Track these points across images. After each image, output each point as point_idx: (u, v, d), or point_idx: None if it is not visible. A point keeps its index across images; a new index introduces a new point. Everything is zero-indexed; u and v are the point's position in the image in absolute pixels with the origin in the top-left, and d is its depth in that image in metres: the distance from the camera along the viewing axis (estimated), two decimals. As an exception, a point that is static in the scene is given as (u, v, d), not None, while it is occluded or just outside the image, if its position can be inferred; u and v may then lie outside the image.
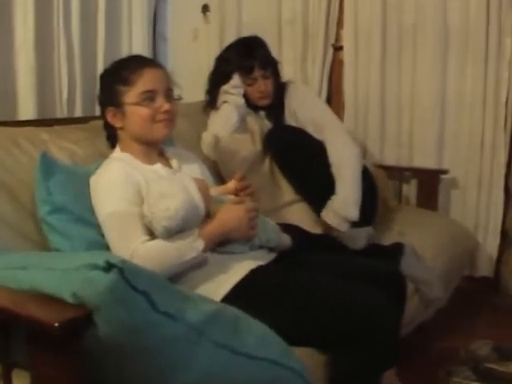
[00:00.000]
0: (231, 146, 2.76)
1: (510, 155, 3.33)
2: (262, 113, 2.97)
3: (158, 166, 2.07)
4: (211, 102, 2.97)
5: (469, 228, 3.32)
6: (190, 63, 3.74)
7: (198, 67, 3.62)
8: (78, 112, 3.15)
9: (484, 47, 3.24)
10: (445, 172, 3.36)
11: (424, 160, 3.44)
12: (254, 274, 1.88)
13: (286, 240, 2.15)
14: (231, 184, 2.14)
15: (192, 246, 1.82)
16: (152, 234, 1.83)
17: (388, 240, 2.64)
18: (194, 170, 2.16)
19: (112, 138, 2.15)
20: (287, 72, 3.42)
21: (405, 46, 3.42)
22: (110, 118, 2.08)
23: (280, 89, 2.95)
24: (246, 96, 2.90)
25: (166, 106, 2.02)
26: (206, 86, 3.02)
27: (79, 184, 1.97)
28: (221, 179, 2.60)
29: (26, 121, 2.75)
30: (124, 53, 3.33)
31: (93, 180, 1.98)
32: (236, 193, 2.11)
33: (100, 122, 2.23)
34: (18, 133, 2.22)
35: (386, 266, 2.14)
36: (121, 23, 3.43)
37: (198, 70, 3.48)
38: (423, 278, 2.47)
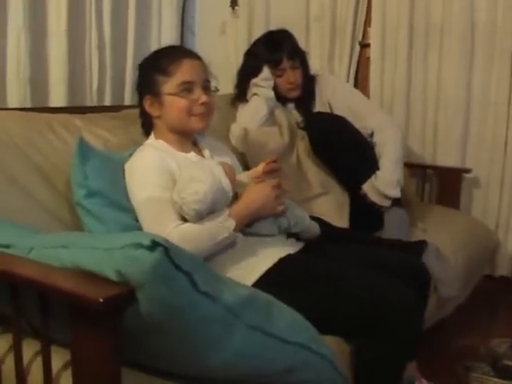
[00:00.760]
0: (259, 138, 2.79)
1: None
2: (291, 105, 3.00)
3: (192, 155, 2.10)
4: (240, 95, 3.00)
5: (490, 227, 3.33)
6: (218, 57, 3.74)
7: (225, 61, 3.65)
8: (108, 101, 3.20)
9: (510, 47, 3.26)
10: (467, 171, 3.38)
11: (447, 158, 3.46)
12: (282, 261, 1.91)
13: (314, 227, 2.18)
14: (260, 167, 2.14)
15: (223, 226, 1.85)
16: (185, 220, 1.86)
17: (411, 235, 2.67)
18: (225, 160, 2.17)
19: (147, 125, 2.17)
20: (314, 68, 3.44)
21: (431, 44, 3.44)
22: (147, 106, 2.10)
23: (309, 80, 2.98)
24: (275, 88, 2.93)
25: (204, 98, 2.05)
26: (234, 80, 3.05)
27: (114, 170, 2.00)
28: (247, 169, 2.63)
29: (60, 108, 2.79)
30: (153, 44, 3.38)
31: (127, 166, 2.01)
32: (262, 175, 2.10)
33: (132, 112, 2.27)
34: (53, 118, 2.26)
35: (411, 260, 2.17)
36: (151, 15, 3.48)
37: (226, 63, 3.52)
38: (440, 276, 2.48)
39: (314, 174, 2.76)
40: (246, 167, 2.66)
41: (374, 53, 3.58)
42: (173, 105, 2.05)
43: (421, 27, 3.45)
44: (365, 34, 3.65)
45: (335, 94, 2.93)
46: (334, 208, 2.67)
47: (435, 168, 3.50)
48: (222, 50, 3.87)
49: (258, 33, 3.31)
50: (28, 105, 2.80)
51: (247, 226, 1.97)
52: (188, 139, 2.15)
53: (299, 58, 2.98)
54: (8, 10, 2.77)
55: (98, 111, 2.62)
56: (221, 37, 3.96)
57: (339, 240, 2.29)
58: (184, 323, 1.31)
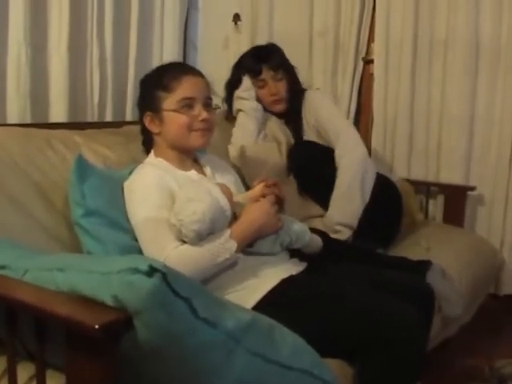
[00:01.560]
0: (258, 155, 2.76)
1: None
2: (281, 121, 2.96)
3: (193, 173, 2.08)
4: (229, 110, 2.98)
5: (494, 245, 3.30)
6: (220, 72, 3.73)
7: (227, 76, 3.62)
8: (109, 117, 3.16)
9: (514, 64, 3.23)
10: (472, 189, 3.35)
11: (451, 175, 3.43)
12: (285, 283, 1.88)
13: (316, 241, 2.15)
14: (257, 188, 2.08)
15: (225, 247, 1.82)
16: (184, 242, 1.82)
17: (414, 254, 2.63)
18: (227, 178, 2.16)
19: (148, 143, 2.16)
20: (317, 84, 3.43)
21: (435, 61, 3.42)
22: (147, 122, 2.09)
23: (296, 95, 2.93)
24: (259, 102, 2.90)
25: (204, 115, 2.03)
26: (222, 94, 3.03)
27: (113, 188, 1.98)
28: (245, 186, 2.59)
29: (59, 123, 2.76)
30: (155, 60, 3.35)
31: (126, 185, 1.99)
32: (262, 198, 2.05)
33: (133, 128, 2.25)
34: (51, 135, 2.24)
35: (415, 279, 2.14)
36: (153, 30, 3.45)
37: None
38: (445, 296, 2.45)
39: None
40: (243, 183, 2.64)
41: (377, 69, 3.56)
42: (173, 121, 2.04)
43: (424, 43, 3.42)
44: (368, 49, 3.63)
45: (316, 116, 2.87)
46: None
47: (439, 185, 3.47)
48: (225, 65, 3.83)
49: (261, 48, 3.28)
50: (28, 120, 2.77)
51: (248, 246, 1.94)
52: (188, 157, 2.13)
53: (284, 70, 2.93)
54: (9, 24, 2.75)
55: (99, 127, 2.61)
56: (223, 52, 3.93)
57: (342, 254, 2.26)
58: (183, 350, 1.27)
